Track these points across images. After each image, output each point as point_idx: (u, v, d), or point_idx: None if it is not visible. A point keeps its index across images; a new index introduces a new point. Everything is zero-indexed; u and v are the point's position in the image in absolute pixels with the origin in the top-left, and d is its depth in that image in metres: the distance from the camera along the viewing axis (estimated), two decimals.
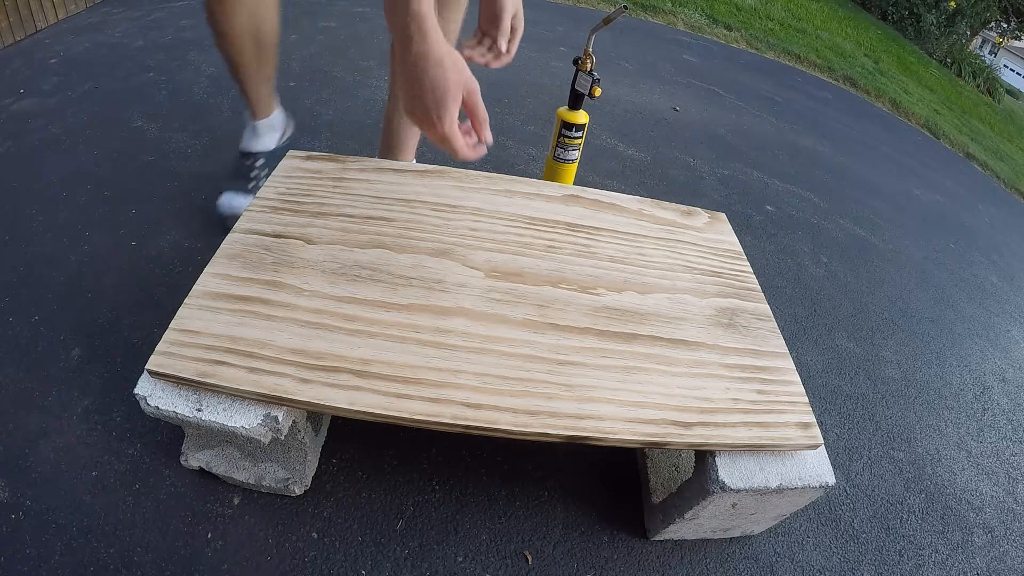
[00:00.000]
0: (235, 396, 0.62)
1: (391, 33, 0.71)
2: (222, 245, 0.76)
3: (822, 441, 0.70)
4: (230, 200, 1.13)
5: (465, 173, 0.97)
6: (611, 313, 0.78)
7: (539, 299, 0.77)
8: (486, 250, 0.83)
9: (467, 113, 0.71)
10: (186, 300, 0.68)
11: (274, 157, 1.11)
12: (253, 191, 1.13)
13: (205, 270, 0.72)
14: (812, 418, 0.72)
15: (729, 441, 0.67)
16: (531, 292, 0.78)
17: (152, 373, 0.62)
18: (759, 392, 0.72)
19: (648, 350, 0.74)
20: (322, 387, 0.62)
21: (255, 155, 1.15)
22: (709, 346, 0.77)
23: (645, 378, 0.70)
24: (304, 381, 0.62)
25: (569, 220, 0.92)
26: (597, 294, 0.80)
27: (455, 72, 0.67)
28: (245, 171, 1.15)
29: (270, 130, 1.14)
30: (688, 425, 0.66)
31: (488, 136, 0.95)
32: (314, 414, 0.78)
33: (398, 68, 0.72)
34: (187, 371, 0.61)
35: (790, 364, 0.78)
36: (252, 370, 0.62)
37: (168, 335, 0.64)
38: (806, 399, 0.74)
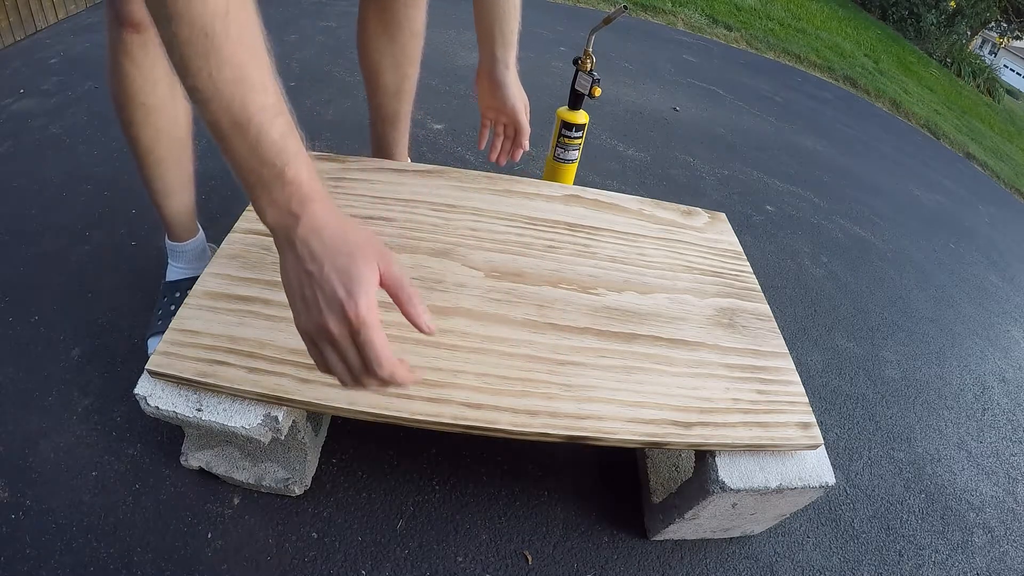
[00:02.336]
0: (235, 396, 0.62)
1: (270, 229, 0.49)
2: (222, 245, 0.76)
3: (822, 441, 0.70)
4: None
5: (465, 173, 0.97)
6: (611, 313, 0.78)
7: (539, 299, 0.77)
8: (486, 250, 0.83)
9: (394, 299, 0.48)
10: (186, 300, 0.68)
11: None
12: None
13: (205, 270, 0.72)
14: (812, 418, 0.72)
15: (729, 441, 0.67)
16: (531, 292, 0.78)
17: (152, 373, 0.62)
18: (759, 392, 0.72)
19: (648, 350, 0.74)
20: (322, 387, 0.62)
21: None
22: (709, 346, 0.77)
23: (645, 378, 0.70)
24: (304, 381, 0.62)
25: (569, 220, 0.92)
26: (597, 294, 0.80)
27: (368, 244, 0.47)
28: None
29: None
30: (688, 425, 0.66)
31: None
32: (314, 414, 0.77)
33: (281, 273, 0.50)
34: (187, 371, 0.61)
35: (790, 364, 0.78)
36: (252, 370, 0.62)
37: (168, 335, 0.64)
38: (806, 399, 0.74)
